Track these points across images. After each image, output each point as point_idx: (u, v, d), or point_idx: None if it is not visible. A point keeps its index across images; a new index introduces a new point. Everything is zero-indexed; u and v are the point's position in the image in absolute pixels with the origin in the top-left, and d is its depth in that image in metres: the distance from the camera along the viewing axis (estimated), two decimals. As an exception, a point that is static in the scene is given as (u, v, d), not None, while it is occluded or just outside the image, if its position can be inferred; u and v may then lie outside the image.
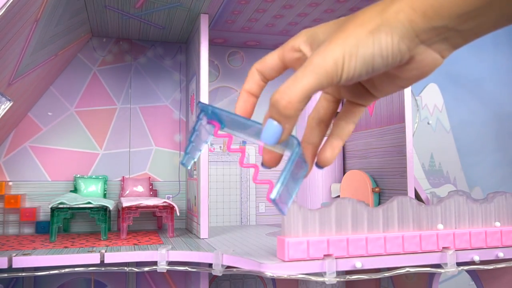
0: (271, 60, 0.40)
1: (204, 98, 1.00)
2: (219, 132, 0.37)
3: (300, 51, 0.38)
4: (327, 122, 0.41)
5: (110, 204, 0.99)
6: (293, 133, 0.37)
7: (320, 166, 0.39)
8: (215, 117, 0.36)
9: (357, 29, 0.34)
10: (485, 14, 0.32)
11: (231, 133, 0.38)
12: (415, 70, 0.35)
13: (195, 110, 1.10)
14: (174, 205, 1.01)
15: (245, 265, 0.75)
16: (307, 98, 0.34)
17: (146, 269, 0.81)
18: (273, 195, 0.32)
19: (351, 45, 0.33)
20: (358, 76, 0.34)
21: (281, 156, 0.38)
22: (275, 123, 0.34)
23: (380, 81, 0.38)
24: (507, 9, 0.32)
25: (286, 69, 0.40)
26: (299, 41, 0.38)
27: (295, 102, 0.33)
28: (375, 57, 0.33)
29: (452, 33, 0.33)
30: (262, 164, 0.39)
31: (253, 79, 0.40)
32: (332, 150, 0.39)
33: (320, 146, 0.40)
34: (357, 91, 0.40)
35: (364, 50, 0.33)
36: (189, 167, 0.37)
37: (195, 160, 0.37)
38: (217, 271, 0.78)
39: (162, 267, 0.81)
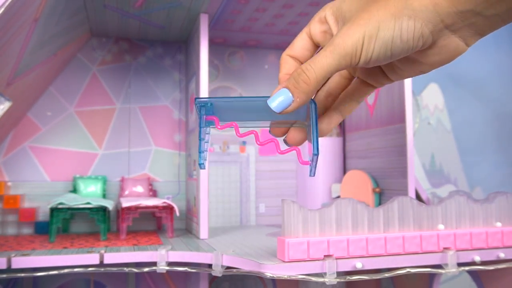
0: (300, 41, 0.40)
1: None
2: (220, 123, 0.38)
3: (326, 22, 0.38)
4: (336, 96, 0.42)
5: (109, 204, 0.99)
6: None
7: None
8: (211, 111, 0.38)
9: (380, 12, 0.34)
10: None
11: (233, 120, 0.39)
12: (437, 56, 0.35)
13: (194, 110, 1.09)
14: (174, 205, 1.01)
15: (245, 265, 0.74)
16: (325, 77, 0.35)
17: (146, 269, 0.81)
18: (316, 151, 0.37)
19: (371, 28, 0.33)
20: (376, 59, 0.34)
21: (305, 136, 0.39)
22: (288, 93, 0.36)
23: (399, 65, 0.38)
24: None
25: (318, 46, 0.40)
26: (325, 13, 0.38)
27: (313, 79, 0.35)
28: (394, 40, 0.33)
29: (479, 18, 0.32)
30: (285, 142, 0.40)
31: (287, 65, 0.40)
32: (329, 123, 0.40)
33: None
34: (373, 72, 0.40)
35: (384, 32, 0.33)
36: (205, 167, 0.38)
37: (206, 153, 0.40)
38: (217, 271, 0.78)
39: (162, 267, 0.81)
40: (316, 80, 0.35)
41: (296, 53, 0.40)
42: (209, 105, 0.38)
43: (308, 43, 0.40)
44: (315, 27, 0.39)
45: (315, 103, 0.38)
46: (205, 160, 0.39)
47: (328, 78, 0.38)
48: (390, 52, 0.34)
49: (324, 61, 0.34)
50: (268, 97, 0.37)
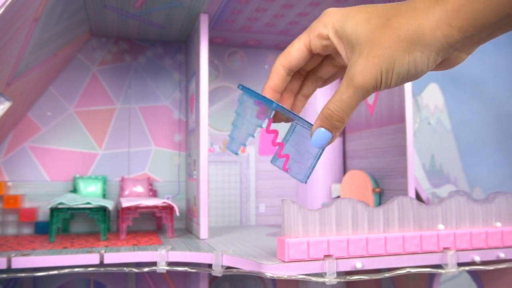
0: (297, 51, 0.42)
1: (204, 98, 1.00)
2: (272, 115, 0.43)
3: (328, 39, 0.41)
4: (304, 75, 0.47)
5: (109, 204, 0.99)
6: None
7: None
8: (262, 100, 0.42)
9: (392, 48, 0.36)
10: None
11: (282, 112, 0.43)
12: (441, 68, 0.39)
13: (194, 109, 1.09)
14: (174, 205, 1.01)
15: (245, 265, 0.74)
16: (353, 112, 0.40)
17: (146, 269, 0.81)
18: (304, 181, 0.42)
19: (387, 64, 0.37)
20: (393, 86, 0.39)
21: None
22: (326, 131, 0.41)
23: None
24: None
25: (312, 55, 0.43)
26: (328, 31, 0.41)
27: (345, 117, 0.40)
28: (410, 71, 0.37)
29: (482, 37, 0.35)
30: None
31: (277, 75, 0.43)
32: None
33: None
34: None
35: (400, 68, 0.37)
36: (238, 153, 0.44)
37: (245, 144, 0.43)
38: (217, 271, 0.78)
39: (162, 267, 0.81)
40: (347, 117, 0.40)
41: (292, 64, 0.43)
42: (256, 95, 0.42)
43: (305, 55, 0.43)
44: (315, 42, 0.42)
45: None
46: (239, 146, 0.43)
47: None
48: (406, 79, 0.38)
49: (351, 101, 0.38)
50: (310, 123, 0.42)
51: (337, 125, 0.40)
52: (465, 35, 0.35)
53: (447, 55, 0.37)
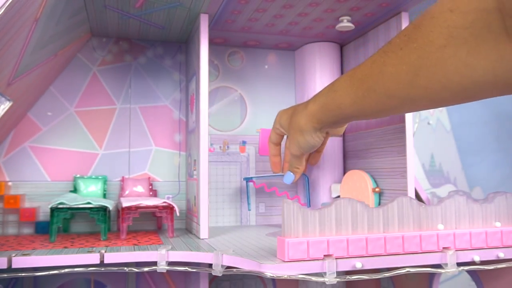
0: (273, 136, 0.93)
1: (204, 98, 1.00)
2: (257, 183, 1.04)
3: (279, 129, 0.89)
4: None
5: (109, 204, 0.99)
6: None
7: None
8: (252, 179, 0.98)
9: (296, 133, 0.80)
10: (348, 120, 0.76)
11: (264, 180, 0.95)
12: (332, 136, 0.91)
13: (194, 109, 1.09)
14: (174, 205, 1.01)
15: (245, 265, 0.75)
16: (300, 162, 0.88)
17: (146, 269, 0.81)
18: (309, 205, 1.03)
19: (296, 142, 0.82)
20: (307, 151, 0.84)
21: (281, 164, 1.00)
22: (291, 173, 0.90)
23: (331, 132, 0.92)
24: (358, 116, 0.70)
25: (283, 136, 0.93)
26: (278, 125, 0.89)
27: (299, 166, 0.90)
28: (308, 143, 0.81)
29: (334, 125, 0.77)
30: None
31: (271, 148, 0.97)
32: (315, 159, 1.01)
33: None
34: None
35: (302, 144, 0.81)
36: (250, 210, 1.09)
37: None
38: (217, 271, 0.78)
39: (162, 267, 0.81)
40: (299, 165, 0.89)
41: (273, 142, 0.93)
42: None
43: (279, 137, 0.92)
44: (277, 131, 0.90)
45: (307, 177, 0.99)
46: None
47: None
48: (310, 149, 0.83)
49: (293, 159, 0.87)
50: (282, 175, 0.95)
51: (295, 170, 0.90)
52: (323, 125, 0.76)
53: (324, 132, 0.78)
